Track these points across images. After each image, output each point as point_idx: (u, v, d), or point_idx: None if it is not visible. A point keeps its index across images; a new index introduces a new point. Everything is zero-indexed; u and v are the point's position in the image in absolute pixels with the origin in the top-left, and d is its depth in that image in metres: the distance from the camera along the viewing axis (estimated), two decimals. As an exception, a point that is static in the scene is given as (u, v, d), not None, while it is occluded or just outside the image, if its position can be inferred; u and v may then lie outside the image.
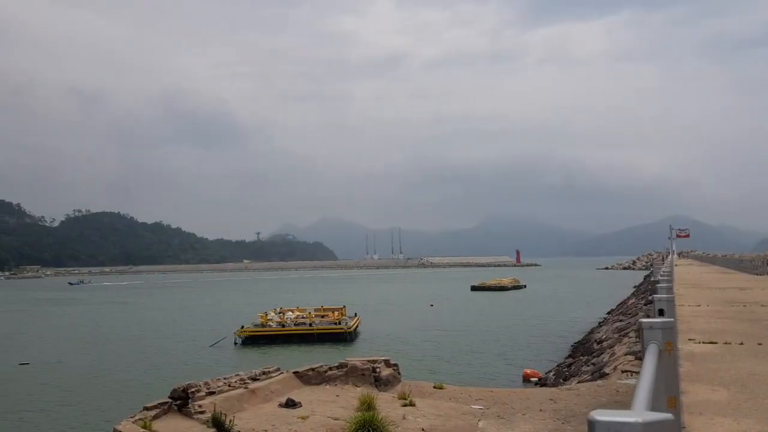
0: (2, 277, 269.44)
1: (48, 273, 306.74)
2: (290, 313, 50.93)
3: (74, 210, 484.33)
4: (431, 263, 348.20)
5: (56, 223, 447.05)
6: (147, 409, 13.48)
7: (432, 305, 75.60)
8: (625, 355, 22.44)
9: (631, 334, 28.72)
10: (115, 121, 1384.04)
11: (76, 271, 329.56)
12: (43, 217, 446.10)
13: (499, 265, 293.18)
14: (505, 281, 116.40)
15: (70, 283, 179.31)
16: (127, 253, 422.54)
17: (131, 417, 12.97)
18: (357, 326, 48.39)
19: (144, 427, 11.95)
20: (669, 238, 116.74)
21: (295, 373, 17.33)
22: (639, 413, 2.03)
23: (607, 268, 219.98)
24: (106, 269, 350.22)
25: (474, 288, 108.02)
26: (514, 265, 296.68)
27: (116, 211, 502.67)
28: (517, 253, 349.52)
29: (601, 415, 1.96)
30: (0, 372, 35.17)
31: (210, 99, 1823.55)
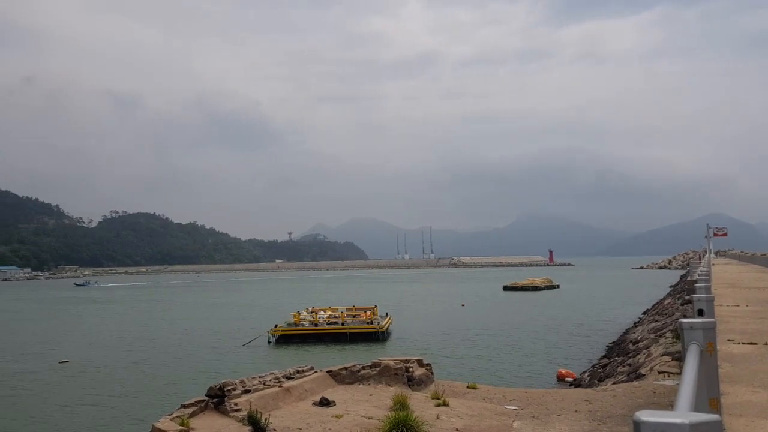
0: (42, 277, 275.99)
1: (86, 273, 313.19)
2: (322, 312, 51.22)
3: (111, 211, 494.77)
4: (462, 263, 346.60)
5: (94, 224, 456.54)
6: (184, 407, 13.68)
7: (463, 305, 75.29)
8: (662, 355, 22.06)
9: (667, 335, 28.22)
10: (150, 123, 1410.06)
11: (113, 271, 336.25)
12: (81, 218, 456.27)
13: (531, 265, 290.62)
14: (538, 281, 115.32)
15: (76, 284, 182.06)
16: (163, 253, 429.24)
17: (169, 415, 13.18)
18: (389, 326, 48.44)
19: (182, 424, 12.12)
20: (706, 236, 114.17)
21: (328, 372, 17.43)
22: (685, 414, 2.02)
23: (642, 268, 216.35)
24: (143, 269, 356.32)
25: (506, 288, 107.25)
26: (547, 265, 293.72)
27: (152, 212, 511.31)
28: (550, 252, 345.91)
29: (647, 416, 1.96)
30: (41, 370, 36.03)
31: (243, 101, 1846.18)
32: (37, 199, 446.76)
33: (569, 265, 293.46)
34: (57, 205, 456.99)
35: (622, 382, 20.54)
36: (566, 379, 29.70)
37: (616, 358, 31.56)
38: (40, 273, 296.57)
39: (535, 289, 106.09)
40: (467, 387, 16.86)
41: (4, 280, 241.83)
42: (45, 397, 28.57)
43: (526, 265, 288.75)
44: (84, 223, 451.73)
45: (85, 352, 43.20)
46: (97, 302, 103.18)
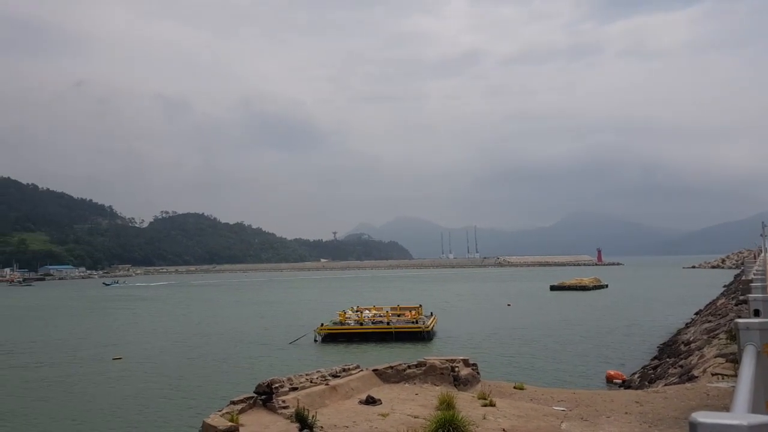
0: (96, 276, 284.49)
1: (138, 272, 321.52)
2: (367, 311, 51.46)
3: (162, 211, 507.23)
4: (508, 262, 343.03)
5: (145, 225, 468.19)
6: (233, 403, 13.95)
7: (509, 305, 74.62)
8: (715, 357, 21.48)
9: (721, 336, 27.46)
10: (197, 125, 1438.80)
11: (164, 270, 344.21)
12: (133, 218, 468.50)
13: (579, 264, 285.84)
14: (586, 281, 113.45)
15: (105, 284, 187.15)
16: (211, 252, 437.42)
17: (219, 411, 13.44)
18: (434, 325, 48.34)
19: (231, 420, 12.35)
20: (761, 235, 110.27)
21: (374, 370, 17.50)
22: (743, 416, 1.98)
23: (694, 267, 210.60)
24: (192, 268, 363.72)
25: (553, 288, 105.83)
26: (595, 264, 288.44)
27: (200, 212, 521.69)
28: (598, 251, 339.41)
29: (704, 417, 1.92)
30: (96, 367, 37.16)
31: (287, 102, 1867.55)
32: (91, 200, 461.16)
33: (618, 264, 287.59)
34: (110, 206, 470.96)
35: (674, 384, 20.08)
36: (615, 380, 29.17)
37: (668, 359, 30.85)
38: (94, 272, 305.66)
39: (583, 288, 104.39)
40: (514, 387, 16.72)
41: (60, 278, 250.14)
42: (99, 394, 29.46)
43: (574, 265, 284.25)
44: (136, 223, 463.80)
45: (136, 349, 44.37)
46: (145, 300, 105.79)
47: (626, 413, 13.23)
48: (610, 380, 29.42)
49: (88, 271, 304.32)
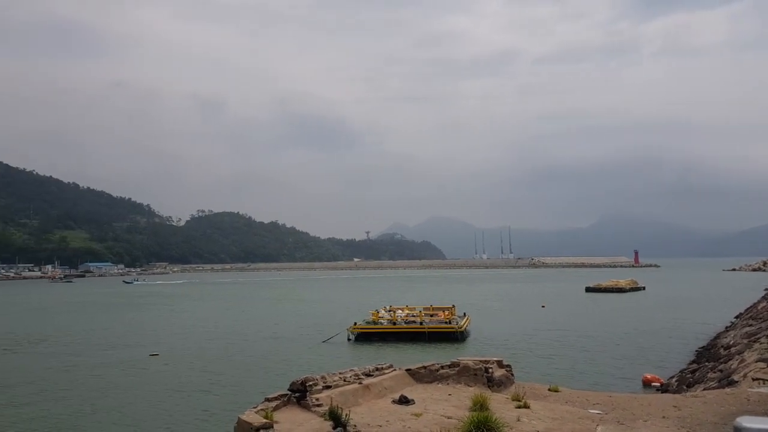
0: (134, 273, 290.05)
1: (175, 269, 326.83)
2: (400, 311, 51.47)
3: (198, 210, 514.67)
4: (543, 263, 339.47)
5: (182, 223, 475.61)
6: (268, 400, 14.09)
7: (544, 306, 73.89)
8: (757, 362, 21.02)
9: (762, 340, 26.86)
10: (233, 125, 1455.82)
11: (200, 268, 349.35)
12: (170, 217, 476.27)
13: (615, 266, 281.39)
14: (623, 282, 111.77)
15: (125, 281, 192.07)
16: (246, 251, 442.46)
17: (254, 407, 13.59)
18: (467, 326, 48.12)
19: (266, 417, 12.46)
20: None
21: (407, 370, 17.51)
22: (790, 422, 1.93)
23: (734, 270, 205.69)
24: (227, 266, 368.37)
25: (589, 289, 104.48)
26: (632, 266, 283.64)
27: (236, 211, 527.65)
28: (635, 253, 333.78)
29: (749, 422, 1.90)
30: (133, 362, 37.90)
31: (321, 102, 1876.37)
32: (129, 199, 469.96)
33: (655, 266, 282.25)
34: (148, 204, 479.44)
35: (713, 388, 19.67)
36: (653, 384, 28.69)
37: (707, 363, 30.25)
38: (132, 269, 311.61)
39: (620, 290, 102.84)
40: (549, 389, 16.58)
41: (99, 275, 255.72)
42: (137, 390, 30.04)
43: (610, 266, 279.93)
44: (173, 221, 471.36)
45: (172, 345, 45.13)
46: (178, 298, 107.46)
47: (664, 417, 13.00)
48: (647, 384, 28.94)
49: (127, 269, 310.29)
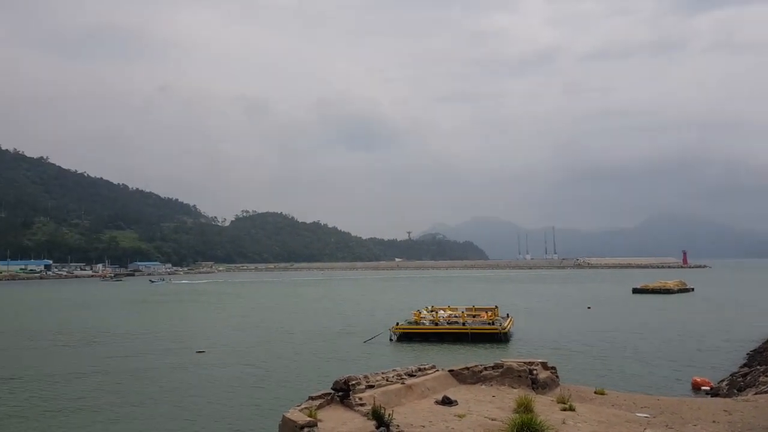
0: (182, 272, 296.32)
1: (220, 269, 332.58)
2: (442, 311, 51.29)
3: (242, 210, 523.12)
4: (588, 264, 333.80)
5: (227, 223, 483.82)
6: (312, 398, 14.24)
7: (590, 308, 72.69)
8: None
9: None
10: (276, 126, 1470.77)
11: (245, 267, 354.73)
12: (215, 217, 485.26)
13: (663, 267, 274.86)
14: (671, 284, 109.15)
15: (151, 281, 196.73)
16: (289, 250, 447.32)
17: (298, 406, 13.76)
18: (510, 327, 47.68)
19: (310, 415, 12.60)
20: None
21: (450, 371, 17.47)
22: None
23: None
24: (270, 265, 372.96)
25: (636, 290, 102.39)
26: (680, 267, 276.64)
27: (279, 211, 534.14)
28: (684, 253, 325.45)
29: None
30: (181, 359, 38.70)
31: (364, 103, 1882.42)
32: (177, 200, 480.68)
33: (704, 267, 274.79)
34: (194, 205, 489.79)
35: (765, 393, 19.08)
36: (702, 387, 27.92)
37: (758, 366, 29.37)
38: (179, 268, 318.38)
39: (668, 292, 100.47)
40: (595, 392, 16.34)
41: (148, 274, 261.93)
42: (184, 386, 30.68)
43: (657, 267, 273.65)
44: (218, 222, 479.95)
45: (217, 343, 45.95)
46: (222, 296, 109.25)
47: (714, 422, 12.67)
48: (696, 387, 28.19)
49: (174, 268, 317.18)
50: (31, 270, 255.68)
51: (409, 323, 47.54)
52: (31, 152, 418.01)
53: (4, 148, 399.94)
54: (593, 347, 41.83)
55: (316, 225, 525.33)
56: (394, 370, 16.65)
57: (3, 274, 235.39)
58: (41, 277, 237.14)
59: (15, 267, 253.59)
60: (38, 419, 24.53)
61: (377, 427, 12.31)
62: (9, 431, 23.16)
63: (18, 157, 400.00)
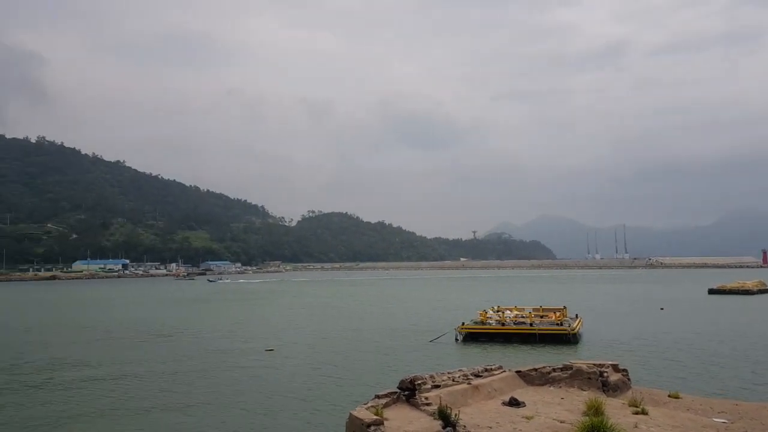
0: (251, 271, 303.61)
1: (288, 268, 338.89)
2: (509, 311, 50.67)
3: (308, 210, 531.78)
4: (661, 263, 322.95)
5: (293, 223, 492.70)
6: (378, 397, 14.37)
7: (663, 309, 70.30)
8: None
9: None
10: (338, 127, 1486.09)
11: (311, 267, 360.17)
12: (282, 217, 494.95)
13: (741, 267, 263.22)
14: (750, 284, 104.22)
15: (209, 280, 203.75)
16: (354, 250, 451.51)
17: (364, 404, 13.91)
18: (579, 328, 46.67)
19: (376, 414, 12.72)
20: None
21: (517, 372, 17.28)
22: None
23: None
24: (336, 265, 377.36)
25: (712, 291, 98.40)
26: (760, 267, 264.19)
27: (344, 212, 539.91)
28: (764, 253, 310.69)
29: None
30: (251, 357, 39.65)
31: (425, 102, 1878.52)
32: (245, 201, 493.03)
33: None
34: (262, 205, 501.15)
35: None
36: (786, 394, 26.57)
37: None
38: (248, 267, 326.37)
39: (746, 292, 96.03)
40: (669, 396, 15.84)
41: (219, 273, 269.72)
42: (254, 382, 31.45)
43: (735, 267, 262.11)
44: (285, 222, 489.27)
45: (285, 341, 46.83)
46: (283, 295, 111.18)
47: (800, 431, 12.07)
48: (779, 394, 26.85)
49: (243, 267, 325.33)
50: (109, 269, 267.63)
51: (475, 323, 47.21)
52: (108, 156, 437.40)
53: (83, 152, 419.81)
54: (667, 349, 40.43)
55: (380, 225, 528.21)
56: (460, 370, 16.60)
57: (84, 272, 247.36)
58: (119, 276, 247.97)
59: (95, 266, 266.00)
60: (135, 414, 25.65)
61: (443, 427, 12.31)
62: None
63: (96, 161, 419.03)
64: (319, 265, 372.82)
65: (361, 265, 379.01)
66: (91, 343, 47.64)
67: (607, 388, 16.14)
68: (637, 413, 13.37)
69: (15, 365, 37.63)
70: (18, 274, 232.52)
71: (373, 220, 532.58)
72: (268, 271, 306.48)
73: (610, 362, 17.48)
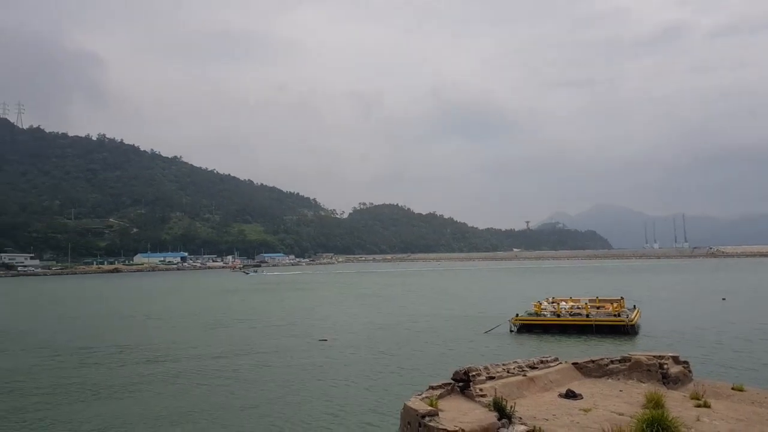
0: (304, 263, 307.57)
1: (340, 260, 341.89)
2: (564, 302, 49.93)
3: (359, 203, 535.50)
4: (723, 253, 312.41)
5: (345, 215, 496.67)
6: (432, 388, 14.39)
7: (725, 299, 68.04)
8: None
9: None
10: (388, 119, 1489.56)
11: (363, 258, 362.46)
12: (334, 209, 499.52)
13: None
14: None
15: (245, 272, 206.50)
16: (405, 241, 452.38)
17: (419, 394, 13.96)
18: (638, 319, 45.63)
19: (431, 404, 12.75)
20: None
21: (574, 364, 17.04)
22: None
23: None
24: (388, 256, 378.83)
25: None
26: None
27: (395, 203, 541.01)
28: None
29: None
30: (305, 347, 40.24)
31: (476, 92, 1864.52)
32: (298, 194, 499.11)
33: None
34: (314, 198, 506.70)
35: None
36: None
37: None
38: (302, 259, 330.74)
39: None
40: (732, 388, 15.34)
41: (273, 265, 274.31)
42: (308, 372, 31.93)
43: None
44: (337, 214, 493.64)
45: (338, 331, 47.34)
46: (336, 286, 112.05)
47: None
48: None
49: (297, 259, 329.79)
50: (169, 261, 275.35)
51: (530, 314, 46.70)
52: (166, 152, 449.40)
53: (142, 149, 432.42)
54: (730, 341, 39.16)
55: (431, 216, 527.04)
56: (515, 362, 16.47)
57: (145, 265, 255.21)
58: (178, 268, 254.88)
59: (155, 259, 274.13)
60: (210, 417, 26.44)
61: (499, 419, 12.26)
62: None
63: (155, 157, 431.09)
64: (371, 257, 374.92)
65: (413, 256, 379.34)
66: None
67: (667, 380, 15.76)
68: (699, 406, 13.02)
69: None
70: (82, 267, 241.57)
71: (424, 212, 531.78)
72: (321, 263, 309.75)
73: (670, 354, 17.04)
